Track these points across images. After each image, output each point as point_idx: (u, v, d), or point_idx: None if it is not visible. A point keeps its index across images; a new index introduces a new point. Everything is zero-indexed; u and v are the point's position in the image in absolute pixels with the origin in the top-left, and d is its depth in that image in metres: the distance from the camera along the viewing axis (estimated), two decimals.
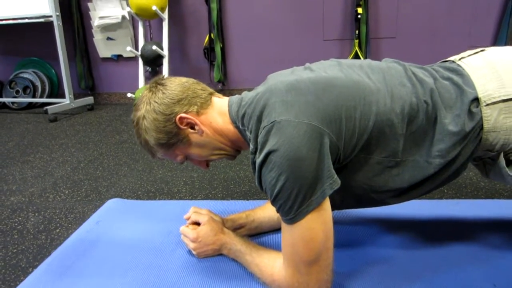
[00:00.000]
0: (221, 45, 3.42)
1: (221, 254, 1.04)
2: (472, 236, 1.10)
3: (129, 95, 3.12)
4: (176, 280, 0.97)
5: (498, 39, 3.13)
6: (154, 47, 3.03)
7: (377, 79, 0.85)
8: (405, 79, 0.86)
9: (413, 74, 0.87)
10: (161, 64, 3.23)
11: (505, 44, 3.09)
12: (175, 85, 0.91)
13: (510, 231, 1.11)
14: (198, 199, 1.52)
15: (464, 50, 3.09)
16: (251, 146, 0.83)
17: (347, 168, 0.84)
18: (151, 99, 0.90)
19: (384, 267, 0.98)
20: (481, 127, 0.81)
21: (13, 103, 3.66)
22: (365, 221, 1.21)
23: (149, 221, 1.29)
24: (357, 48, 3.22)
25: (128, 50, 3.08)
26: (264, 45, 3.46)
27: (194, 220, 1.06)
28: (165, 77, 0.95)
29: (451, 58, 0.94)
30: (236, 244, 0.99)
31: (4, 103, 3.70)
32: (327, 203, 0.78)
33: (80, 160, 2.07)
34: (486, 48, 0.92)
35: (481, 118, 0.81)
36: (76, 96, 3.69)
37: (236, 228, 1.11)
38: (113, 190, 1.64)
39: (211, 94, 0.95)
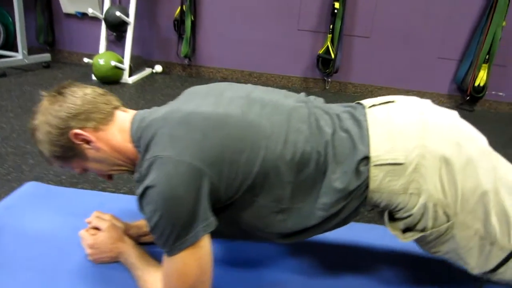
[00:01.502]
0: (192, 19, 3.28)
1: (119, 261, 1.03)
2: (372, 264, 1.12)
3: (85, 60, 2.97)
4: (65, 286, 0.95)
5: (466, 54, 3.15)
6: (118, 13, 2.87)
7: (276, 121, 0.84)
8: (305, 125, 0.85)
9: (315, 120, 0.86)
10: (125, 30, 3.08)
11: (472, 60, 3.11)
12: (75, 97, 0.87)
13: (413, 264, 1.14)
14: (121, 192, 1.48)
15: (434, 59, 3.13)
16: (137, 174, 0.80)
17: (233, 205, 0.84)
18: (48, 110, 0.86)
19: None
20: (367, 186, 0.82)
21: None
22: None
23: (61, 213, 1.25)
24: (329, 43, 3.16)
25: (90, 13, 2.90)
26: (236, 25, 3.34)
27: (94, 226, 1.04)
28: (70, 83, 0.91)
29: (365, 102, 0.93)
30: (131, 256, 0.98)
31: None
32: (204, 241, 0.78)
33: (14, 129, 1.97)
34: (396, 99, 0.91)
35: (368, 177, 0.81)
36: (34, 50, 3.49)
37: (141, 235, 1.09)
38: (37, 170, 1.57)
39: (115, 108, 0.91)
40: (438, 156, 0.79)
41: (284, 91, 0.97)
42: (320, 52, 3.21)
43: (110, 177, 0.98)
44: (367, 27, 3.22)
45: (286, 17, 3.27)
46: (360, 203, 0.84)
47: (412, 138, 0.81)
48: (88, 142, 0.87)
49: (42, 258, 1.03)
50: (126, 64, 3.04)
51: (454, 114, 0.89)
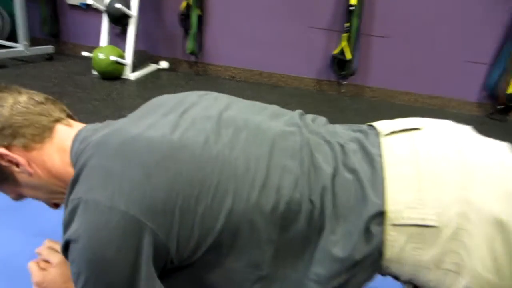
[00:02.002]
0: (200, 13, 3.08)
1: None
2: None
3: (84, 53, 2.82)
4: None
5: (499, 58, 2.84)
6: (119, 5, 2.70)
7: (253, 154, 0.61)
8: (295, 161, 0.62)
9: (310, 154, 0.63)
10: (128, 24, 2.91)
11: (505, 65, 2.80)
12: (1, 107, 0.67)
13: None
14: None
15: (461, 63, 2.78)
16: (64, 214, 0.61)
17: (193, 266, 0.62)
18: None
19: None
20: (381, 252, 0.58)
21: None
22: None
23: (26, 231, 1.11)
24: (345, 43, 2.91)
25: (92, 4, 2.75)
26: (246, 21, 3.13)
27: (45, 258, 0.86)
28: (2, 88, 0.71)
29: (381, 127, 0.69)
30: None
31: None
32: None
33: None
34: (423, 125, 0.66)
35: (382, 241, 0.57)
36: (40, 41, 3.38)
37: None
38: None
39: (56, 121, 0.71)
40: (489, 218, 0.55)
41: (272, 108, 0.75)
42: (335, 52, 2.96)
43: (56, 205, 0.79)
44: (387, 26, 2.96)
45: (298, 13, 3.03)
46: (371, 274, 0.61)
47: (449, 188, 0.57)
48: (17, 164, 0.68)
49: None
50: (128, 59, 2.88)
51: (504, 148, 0.64)
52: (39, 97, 0.72)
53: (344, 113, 2.68)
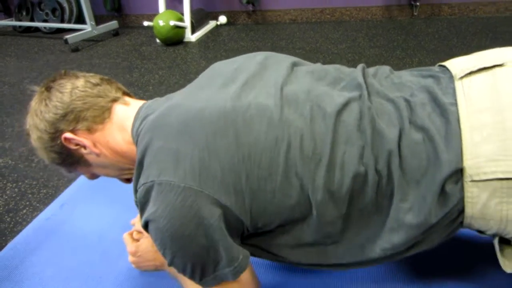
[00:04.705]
0: None
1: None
2: None
3: (145, 23, 2.88)
4: None
5: None
6: None
7: (318, 131, 0.59)
8: (358, 132, 0.59)
9: (371, 120, 0.59)
10: None
11: None
12: (62, 93, 0.72)
13: None
14: None
15: None
16: (135, 195, 0.65)
17: (271, 233, 0.66)
18: (35, 111, 0.74)
19: None
20: (461, 210, 0.56)
21: (44, 27, 3.60)
22: None
23: (115, 208, 1.22)
24: None
25: None
26: None
27: (138, 229, 0.94)
28: (60, 74, 0.76)
29: (454, 67, 0.62)
30: None
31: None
32: (244, 275, 0.64)
33: None
34: (506, 61, 0.57)
35: (462, 199, 0.54)
36: (104, 19, 3.52)
37: None
38: None
39: (113, 101, 0.74)
40: None
41: (332, 72, 0.70)
42: None
43: (128, 180, 0.85)
44: None
45: None
46: (450, 231, 0.60)
47: None
48: (84, 146, 0.73)
49: (88, 266, 1.02)
50: (187, 21, 2.88)
51: None
52: (95, 79, 0.75)
53: (418, 39, 2.43)
